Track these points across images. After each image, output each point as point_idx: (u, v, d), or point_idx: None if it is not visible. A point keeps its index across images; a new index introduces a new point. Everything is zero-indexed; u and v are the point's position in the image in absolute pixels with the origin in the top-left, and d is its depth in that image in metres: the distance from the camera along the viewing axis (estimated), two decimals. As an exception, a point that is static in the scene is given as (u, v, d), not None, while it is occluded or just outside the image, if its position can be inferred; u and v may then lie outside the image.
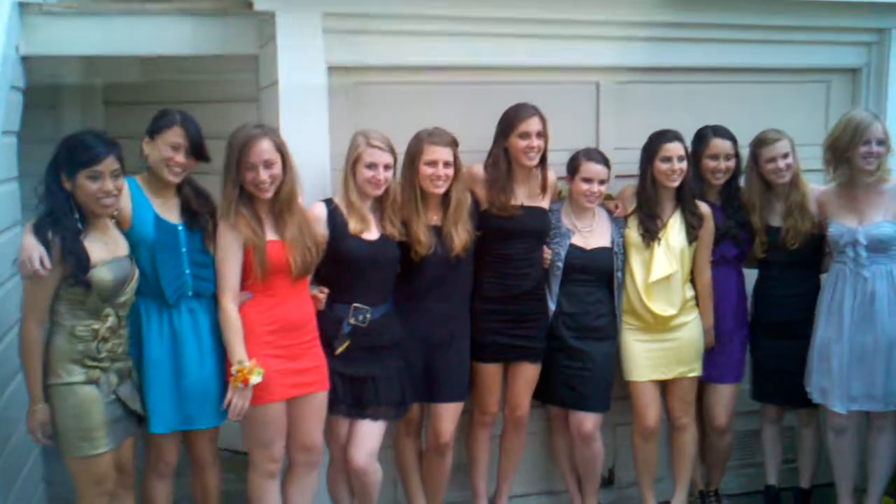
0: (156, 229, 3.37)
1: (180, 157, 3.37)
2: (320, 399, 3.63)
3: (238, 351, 3.38)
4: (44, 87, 4.38)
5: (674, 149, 4.12)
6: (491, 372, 4.13)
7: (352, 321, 3.72)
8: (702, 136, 4.30)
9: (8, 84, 3.77)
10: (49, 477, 4.17)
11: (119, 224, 3.34)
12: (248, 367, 3.33)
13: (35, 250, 3.02)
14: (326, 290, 3.73)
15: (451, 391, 4.01)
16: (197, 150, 3.39)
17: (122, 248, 3.28)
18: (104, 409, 3.16)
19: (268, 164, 3.43)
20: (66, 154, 3.14)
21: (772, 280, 4.37)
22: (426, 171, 3.84)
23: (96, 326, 3.15)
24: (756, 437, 4.72)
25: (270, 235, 3.48)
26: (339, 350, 3.70)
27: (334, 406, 3.71)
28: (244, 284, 3.49)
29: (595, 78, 4.47)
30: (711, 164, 4.28)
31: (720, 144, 4.27)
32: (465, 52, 4.25)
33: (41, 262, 3.01)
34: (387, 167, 3.75)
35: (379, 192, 3.77)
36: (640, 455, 4.40)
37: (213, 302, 3.49)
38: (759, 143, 4.27)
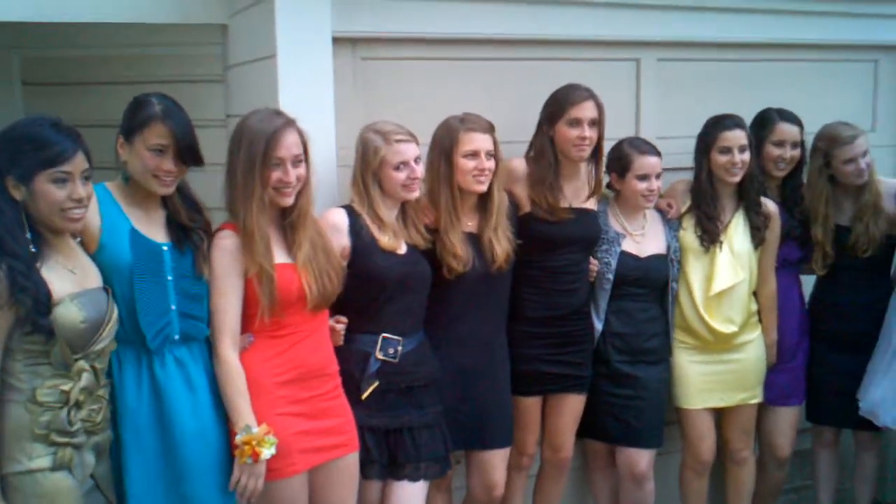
0: (133, 250, 2.53)
1: (168, 164, 2.54)
2: (351, 462, 2.86)
3: (244, 414, 2.58)
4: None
5: (734, 138, 3.51)
6: (531, 406, 3.45)
7: (380, 356, 2.97)
8: (765, 120, 3.72)
9: None
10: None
11: (83, 245, 2.50)
12: (257, 436, 2.53)
13: None
14: (344, 320, 2.96)
15: (499, 434, 3.31)
16: (188, 152, 2.56)
17: (92, 276, 2.44)
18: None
19: (296, 162, 2.66)
20: (15, 151, 2.28)
21: (837, 287, 3.81)
22: (467, 164, 3.11)
23: (66, 387, 2.30)
24: (796, 458, 4.16)
25: (280, 258, 2.70)
26: (367, 394, 2.95)
27: (364, 467, 2.95)
28: (243, 324, 2.70)
29: (635, 54, 3.81)
30: (776, 151, 3.69)
31: (787, 130, 3.69)
32: (489, 21, 3.53)
33: None
34: (417, 160, 3.04)
35: (417, 192, 3.06)
36: (691, 492, 3.80)
37: (208, 347, 2.70)
38: (832, 141, 3.68)
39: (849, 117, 3.99)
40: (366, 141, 3.03)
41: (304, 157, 2.70)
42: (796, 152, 3.72)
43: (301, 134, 2.70)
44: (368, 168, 3.01)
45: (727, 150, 3.50)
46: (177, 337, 2.59)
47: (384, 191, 3.02)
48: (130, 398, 2.54)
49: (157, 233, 2.60)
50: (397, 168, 2.98)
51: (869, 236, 3.65)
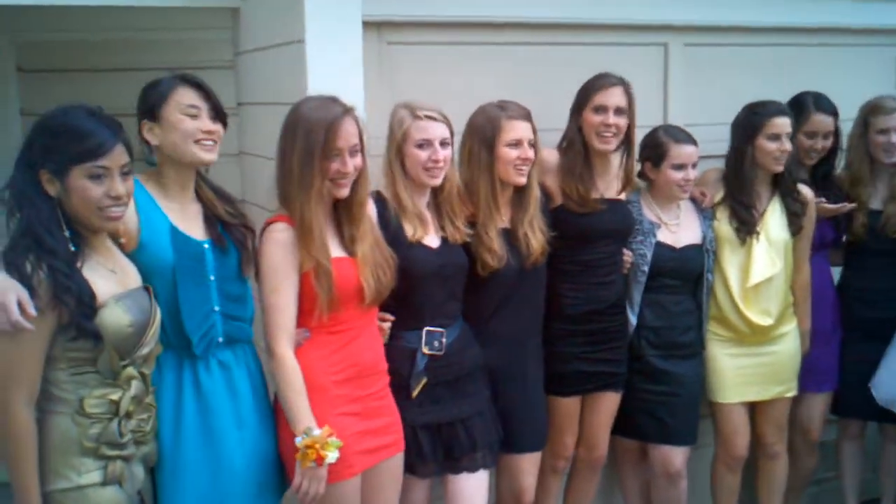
0: (175, 248, 2.35)
1: (207, 123, 2.39)
2: (397, 463, 2.73)
3: (304, 415, 2.42)
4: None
5: (783, 124, 3.42)
6: (570, 407, 3.33)
7: (426, 350, 2.84)
8: (800, 107, 3.62)
9: None
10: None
11: (120, 244, 2.31)
12: (320, 438, 2.38)
13: (10, 292, 1.99)
14: (391, 318, 2.81)
15: (531, 437, 3.17)
16: (220, 110, 2.43)
17: (133, 276, 2.26)
18: (133, 521, 2.16)
19: (353, 152, 2.52)
20: (50, 143, 2.10)
21: (865, 272, 3.75)
22: (510, 154, 2.97)
23: (115, 397, 2.13)
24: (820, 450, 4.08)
25: (336, 251, 2.55)
26: (417, 391, 2.82)
27: (420, 468, 2.83)
28: (298, 321, 2.54)
29: (663, 38, 3.69)
30: (807, 142, 3.61)
31: (821, 121, 3.62)
32: (516, 4, 3.39)
33: (21, 309, 1.98)
34: (444, 143, 2.87)
35: (438, 179, 2.88)
36: (723, 488, 3.71)
37: (250, 350, 2.55)
38: (873, 109, 3.67)
39: None
40: (395, 113, 2.90)
41: (360, 147, 2.54)
42: (828, 142, 3.65)
43: (358, 122, 2.55)
44: (393, 143, 2.87)
45: (776, 137, 3.40)
46: (221, 340, 2.43)
47: (406, 173, 2.87)
48: (168, 406, 2.36)
49: (195, 229, 2.43)
50: (420, 146, 2.82)
51: None
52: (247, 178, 3.50)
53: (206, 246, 2.43)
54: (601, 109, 3.17)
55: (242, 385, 2.47)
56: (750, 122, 3.44)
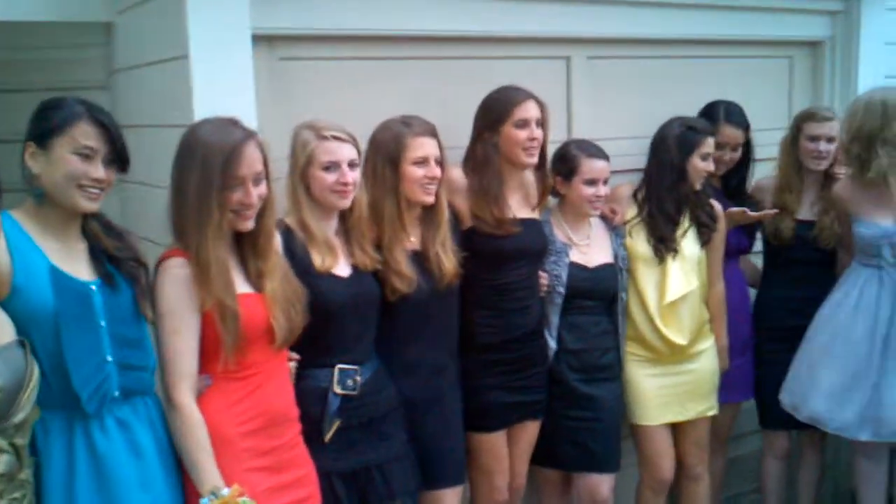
0: (56, 291, 2.04)
1: (97, 170, 2.09)
2: None
3: (210, 474, 2.16)
4: None
5: (712, 144, 3.40)
6: (497, 444, 3.13)
7: (339, 390, 2.60)
8: (711, 117, 3.59)
9: None
10: None
11: None
12: (230, 498, 2.11)
13: None
14: (296, 356, 2.56)
15: (452, 471, 2.97)
16: (122, 156, 2.14)
17: (4, 329, 1.94)
18: None
19: (257, 180, 2.27)
20: None
21: (792, 281, 3.70)
22: (416, 173, 2.78)
23: (-21, 473, 1.81)
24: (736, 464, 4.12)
25: (241, 287, 2.29)
26: (330, 435, 2.57)
27: None
28: (200, 365, 2.26)
29: (565, 52, 3.57)
30: (715, 153, 3.53)
31: (730, 133, 3.61)
32: (414, 17, 3.19)
33: None
34: (352, 164, 2.66)
35: (348, 201, 2.67)
36: (648, 513, 3.58)
37: (153, 402, 2.25)
38: (806, 116, 3.67)
39: (767, 114, 4.00)
40: (298, 135, 2.67)
41: (265, 174, 2.30)
42: (737, 154, 3.63)
43: (262, 147, 2.30)
44: (297, 167, 2.64)
45: (707, 157, 3.37)
46: (117, 393, 2.13)
47: (312, 197, 2.64)
48: (58, 476, 2.05)
49: (80, 269, 2.13)
50: (327, 168, 2.61)
51: (832, 230, 3.59)
52: (127, 209, 3.19)
53: (94, 287, 2.12)
54: (524, 124, 3.01)
55: (146, 442, 2.17)
56: (686, 139, 3.36)
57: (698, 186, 3.37)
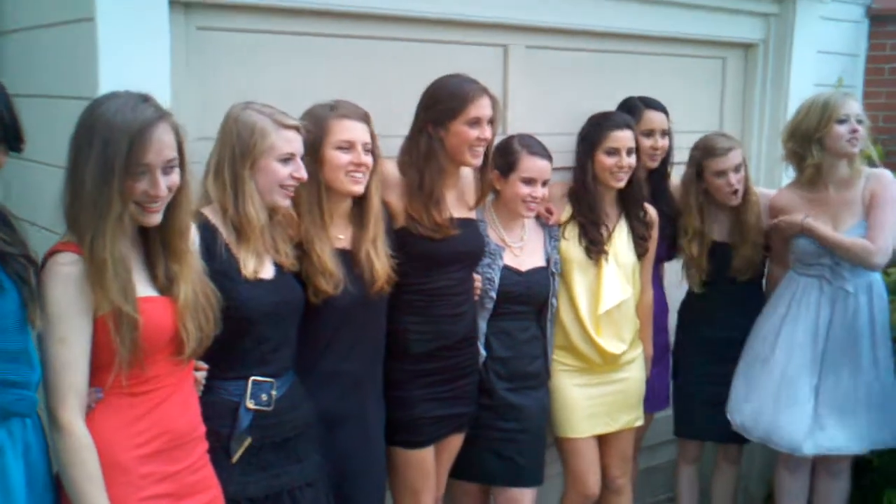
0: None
1: None
2: None
3: None
4: None
5: (623, 138, 3.18)
6: (425, 461, 2.90)
7: (251, 405, 2.33)
8: (631, 109, 3.41)
9: None
10: None
11: None
12: None
13: None
14: (204, 366, 2.27)
15: (372, 489, 2.75)
16: (11, 132, 1.84)
17: None
18: None
19: (168, 168, 1.95)
20: None
21: (714, 296, 3.58)
22: (340, 158, 2.54)
23: None
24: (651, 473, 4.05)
25: (144, 290, 1.99)
26: (238, 455, 2.30)
27: None
28: (91, 378, 1.96)
29: (503, 39, 3.35)
30: (647, 142, 3.41)
31: (653, 117, 3.45)
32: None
33: None
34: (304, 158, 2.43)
35: (289, 201, 2.44)
36: (573, 528, 3.42)
37: (32, 424, 1.95)
38: (706, 152, 3.44)
39: (700, 114, 3.95)
40: (247, 121, 2.35)
41: (179, 161, 1.99)
42: (665, 141, 3.47)
43: (176, 130, 1.99)
44: (248, 156, 2.33)
45: (614, 152, 3.16)
46: None
47: (260, 191, 2.37)
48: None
49: None
50: (284, 161, 2.35)
51: (750, 260, 3.49)
52: (12, 189, 2.82)
53: (-30, 288, 1.80)
54: (475, 123, 2.78)
55: (14, 472, 1.86)
56: (589, 134, 3.20)
57: (616, 184, 3.19)
